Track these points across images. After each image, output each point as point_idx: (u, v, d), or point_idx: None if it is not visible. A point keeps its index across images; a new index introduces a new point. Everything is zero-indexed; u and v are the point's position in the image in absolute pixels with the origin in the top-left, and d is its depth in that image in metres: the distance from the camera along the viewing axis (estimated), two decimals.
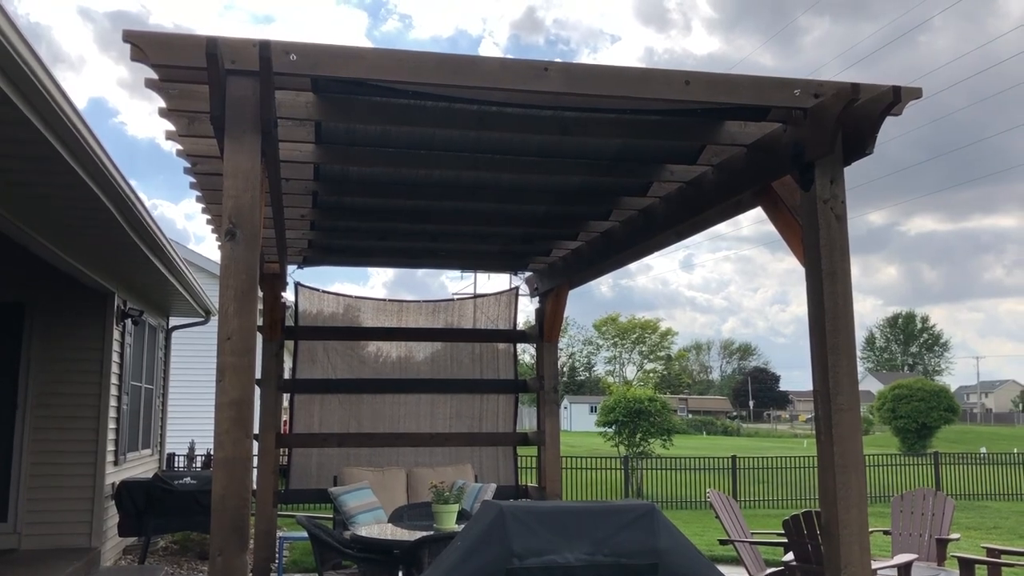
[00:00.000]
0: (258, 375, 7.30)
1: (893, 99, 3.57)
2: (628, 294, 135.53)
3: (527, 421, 29.08)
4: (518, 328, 8.47)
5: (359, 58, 3.43)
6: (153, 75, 3.65)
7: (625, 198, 5.49)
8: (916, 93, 3.80)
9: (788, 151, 3.92)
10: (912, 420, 30.35)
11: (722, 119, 4.19)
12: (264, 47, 3.23)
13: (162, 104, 4.02)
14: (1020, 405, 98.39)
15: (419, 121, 3.98)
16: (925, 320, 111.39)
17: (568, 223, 6.14)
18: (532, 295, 8.20)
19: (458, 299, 8.57)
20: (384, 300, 8.36)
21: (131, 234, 6.13)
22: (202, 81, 3.39)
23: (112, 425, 8.09)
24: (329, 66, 3.41)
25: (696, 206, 4.99)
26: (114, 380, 8.11)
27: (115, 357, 8.11)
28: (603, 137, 4.28)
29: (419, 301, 8.44)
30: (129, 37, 3.33)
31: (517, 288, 8.41)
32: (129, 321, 8.45)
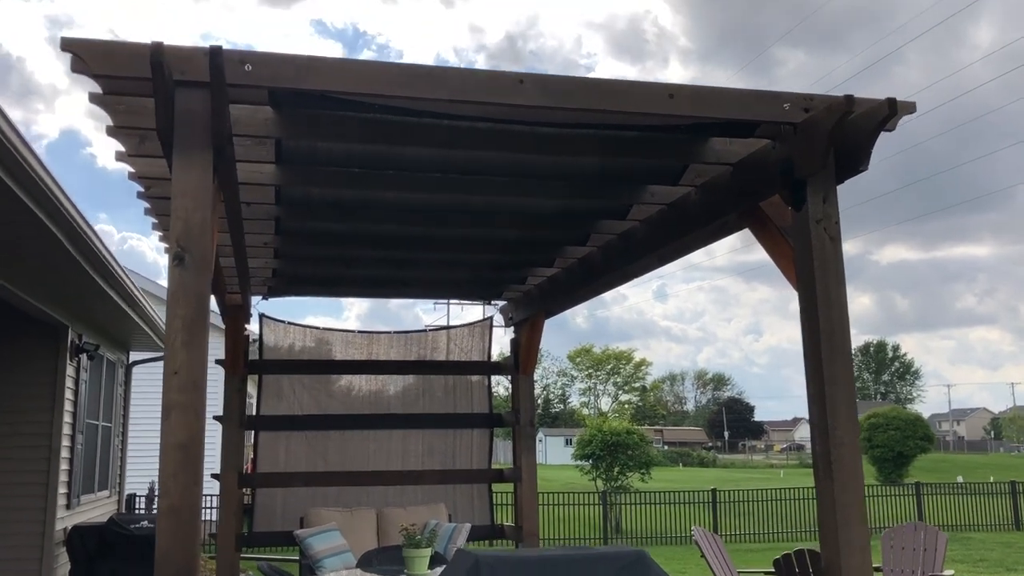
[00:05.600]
0: (220, 411, 6.98)
1: (888, 112, 3.37)
2: (603, 324, 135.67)
3: (501, 455, 28.68)
4: (493, 360, 8.19)
5: (320, 69, 3.18)
6: (98, 89, 3.38)
7: (604, 221, 5.25)
8: (910, 107, 3.61)
9: (777, 169, 3.71)
10: (889, 449, 30.32)
11: (707, 136, 3.97)
12: (215, 55, 2.96)
13: (110, 122, 3.75)
14: (992, 433, 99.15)
15: (385, 138, 3.73)
16: (896, 349, 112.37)
17: (544, 249, 5.89)
18: (507, 325, 7.93)
19: (430, 330, 8.29)
20: (353, 332, 8.05)
21: (82, 263, 5.80)
22: (151, 94, 3.12)
23: (64, 466, 7.68)
24: (288, 77, 3.15)
25: (679, 229, 4.76)
26: (67, 418, 7.70)
27: (68, 394, 7.71)
28: (581, 156, 4.04)
29: (389, 332, 8.14)
30: (68, 46, 3.05)
31: (491, 318, 8.14)
32: (84, 356, 8.06)
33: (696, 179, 4.42)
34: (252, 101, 3.44)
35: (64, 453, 7.67)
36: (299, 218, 5.02)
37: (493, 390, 8.18)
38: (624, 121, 3.66)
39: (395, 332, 8.14)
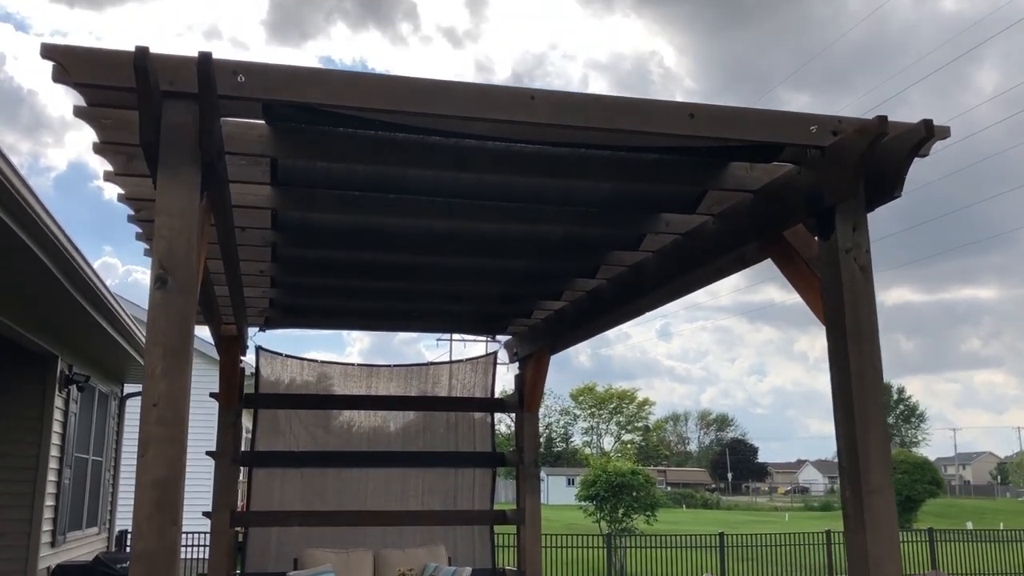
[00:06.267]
0: (213, 447, 6.72)
1: (925, 135, 3.16)
2: (606, 363, 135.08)
3: (503, 494, 28.21)
4: (496, 396, 7.92)
5: (320, 81, 2.98)
6: (83, 101, 3.18)
7: (614, 252, 5.02)
8: (945, 132, 3.41)
9: (803, 196, 3.49)
10: (896, 493, 29.77)
11: (726, 160, 3.76)
12: (204, 64, 2.75)
13: (95, 138, 3.55)
14: (998, 477, 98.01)
15: (389, 159, 3.51)
16: (901, 391, 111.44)
17: (551, 280, 5.66)
18: (511, 361, 7.68)
19: (432, 365, 8.03)
20: (352, 365, 7.81)
21: (71, 290, 5.58)
22: (137, 106, 2.92)
23: (50, 502, 7.40)
24: (285, 89, 2.95)
25: (694, 261, 4.53)
26: (54, 452, 7.43)
27: (56, 427, 7.46)
28: (594, 179, 3.82)
29: (390, 366, 7.89)
30: (49, 53, 2.86)
31: (495, 353, 7.89)
32: (74, 387, 7.81)
33: (713, 207, 4.21)
34: (246, 115, 3.23)
35: (50, 488, 7.40)
36: (297, 244, 4.80)
37: (495, 428, 7.91)
38: (640, 142, 3.45)
39: (395, 366, 7.89)
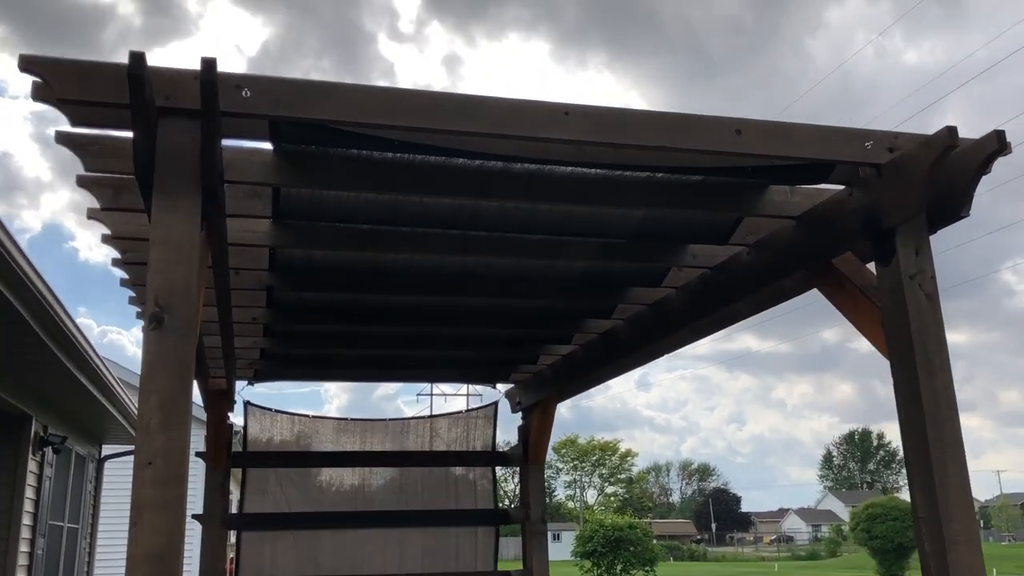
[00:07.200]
0: (199, 510, 6.27)
1: (998, 146, 2.91)
2: (586, 415, 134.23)
3: (507, 549, 27.52)
4: (499, 449, 7.52)
5: (335, 95, 2.67)
6: (67, 126, 2.85)
7: (634, 289, 4.71)
8: (1008, 146, 3.15)
9: (858, 218, 3.21)
10: (888, 540, 29.38)
11: (769, 183, 3.48)
12: (208, 70, 2.44)
13: (80, 169, 3.21)
14: (981, 522, 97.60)
15: (405, 185, 3.20)
16: (881, 437, 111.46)
17: (564, 322, 5.32)
18: (514, 411, 7.30)
19: (431, 417, 7.64)
20: (345, 420, 7.39)
21: (49, 344, 5.18)
22: (130, 127, 2.59)
23: (22, 575, 6.86)
24: (294, 105, 2.64)
25: (724, 296, 4.22)
26: (27, 520, 6.92)
27: (30, 492, 6.96)
28: (625, 206, 3.52)
29: (385, 420, 7.49)
30: (29, 66, 2.53)
31: (496, 403, 7.51)
32: (50, 450, 7.33)
33: (747, 237, 3.92)
34: (248, 136, 2.91)
35: (22, 560, 6.87)
36: (295, 287, 4.44)
37: (497, 482, 7.50)
38: (681, 161, 3.16)
39: (391, 419, 7.50)
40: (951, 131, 2.88)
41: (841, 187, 3.36)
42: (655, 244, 4.03)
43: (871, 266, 3.32)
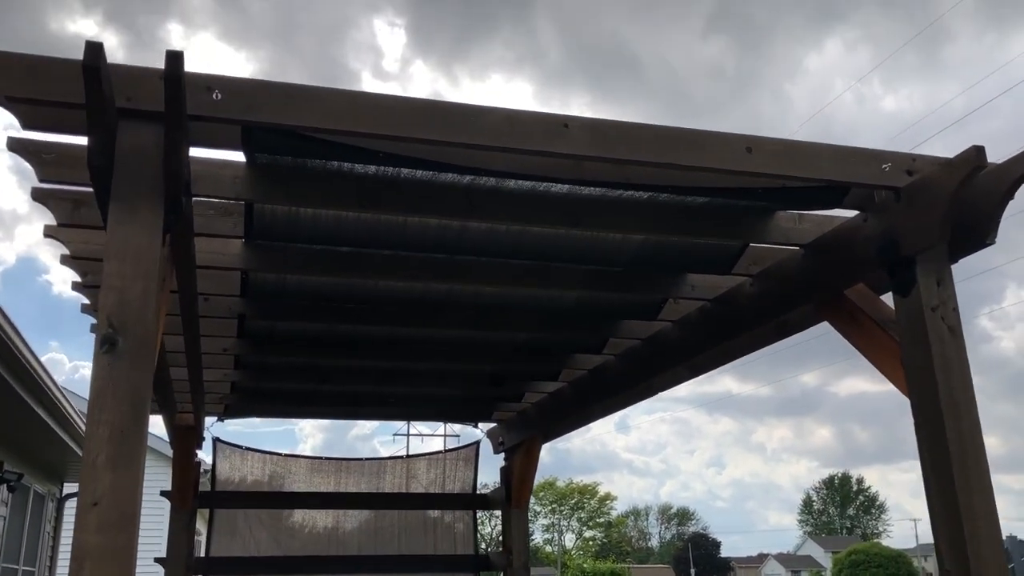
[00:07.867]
0: (163, 553, 5.91)
1: None
2: (564, 457, 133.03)
3: None
4: (480, 491, 7.22)
5: (315, 100, 2.44)
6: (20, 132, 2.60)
7: (626, 323, 4.47)
8: None
9: (873, 245, 3.00)
10: None
11: (777, 207, 3.27)
12: (174, 67, 2.20)
13: (35, 182, 2.95)
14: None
15: (389, 203, 2.96)
16: (860, 481, 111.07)
17: (552, 357, 5.07)
18: (496, 451, 7.01)
19: (409, 457, 7.33)
20: (319, 459, 7.08)
21: (5, 375, 4.86)
22: (87, 132, 2.34)
23: None
24: (270, 109, 2.40)
25: (724, 330, 3.99)
26: None
27: None
28: (624, 229, 3.29)
29: (361, 459, 7.18)
30: None
31: (478, 443, 7.22)
32: (5, 487, 6.95)
33: (751, 267, 3.70)
34: (219, 144, 2.66)
35: None
36: (269, 315, 4.17)
37: (478, 526, 7.19)
38: (687, 181, 2.94)
39: (368, 459, 7.19)
40: (979, 151, 2.68)
41: (853, 214, 3.16)
42: (652, 272, 3.79)
43: (886, 298, 3.12)
